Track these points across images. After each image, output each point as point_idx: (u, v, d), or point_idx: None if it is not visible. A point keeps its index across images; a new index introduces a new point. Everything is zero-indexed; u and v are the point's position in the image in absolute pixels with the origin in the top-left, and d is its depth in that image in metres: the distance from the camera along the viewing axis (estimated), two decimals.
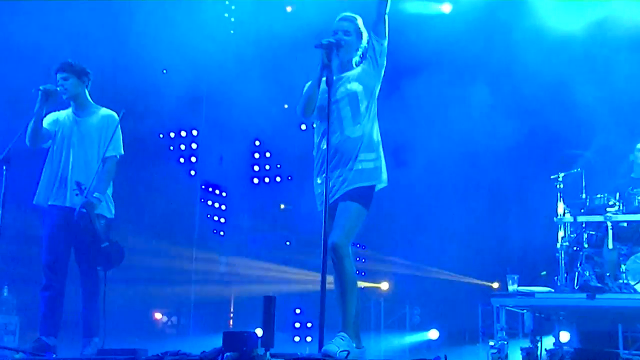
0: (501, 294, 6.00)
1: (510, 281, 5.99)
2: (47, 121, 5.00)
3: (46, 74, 5.15)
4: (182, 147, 10.47)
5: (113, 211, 5.06)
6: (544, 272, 6.82)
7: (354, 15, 4.20)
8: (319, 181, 4.10)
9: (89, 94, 5.13)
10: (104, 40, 7.76)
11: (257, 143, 11.06)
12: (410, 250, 9.16)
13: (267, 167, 11.04)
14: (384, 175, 4.09)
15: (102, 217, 4.94)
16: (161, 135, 10.33)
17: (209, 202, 10.74)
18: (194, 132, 10.48)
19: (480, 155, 8.18)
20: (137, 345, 4.94)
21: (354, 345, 3.83)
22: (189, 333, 9.67)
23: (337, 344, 3.67)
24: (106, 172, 4.94)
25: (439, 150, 8.21)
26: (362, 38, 4.17)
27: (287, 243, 10.77)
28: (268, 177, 11.02)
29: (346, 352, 3.61)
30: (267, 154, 11.03)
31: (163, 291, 9.97)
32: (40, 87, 4.81)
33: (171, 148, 10.46)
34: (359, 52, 4.18)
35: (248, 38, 9.12)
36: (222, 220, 10.88)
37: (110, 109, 5.13)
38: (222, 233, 10.88)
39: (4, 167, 4.53)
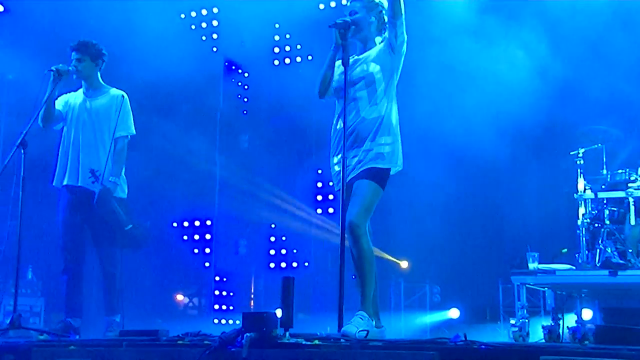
0: (521, 271, 5.95)
1: (531, 259, 5.94)
2: (58, 103, 5.04)
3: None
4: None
5: (126, 191, 5.08)
6: (565, 250, 6.75)
7: None
8: (335, 161, 4.11)
9: (101, 76, 5.15)
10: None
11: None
12: (429, 228, 9.12)
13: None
14: (400, 160, 4.07)
15: (121, 199, 4.98)
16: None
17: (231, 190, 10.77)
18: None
19: (500, 131, 8.08)
20: (159, 327, 5.03)
21: (373, 324, 3.84)
22: (210, 314, 9.77)
23: (356, 323, 3.68)
24: (118, 153, 4.96)
25: (457, 126, 8.13)
26: (374, 11, 4.11)
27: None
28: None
29: (365, 332, 3.61)
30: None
31: (185, 273, 10.09)
32: (52, 68, 4.83)
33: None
34: (376, 28, 4.13)
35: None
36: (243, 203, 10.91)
37: (120, 89, 5.16)
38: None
39: (22, 151, 4.59)
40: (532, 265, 5.92)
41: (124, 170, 5.06)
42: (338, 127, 4.03)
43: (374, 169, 3.96)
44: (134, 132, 5.10)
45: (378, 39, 4.18)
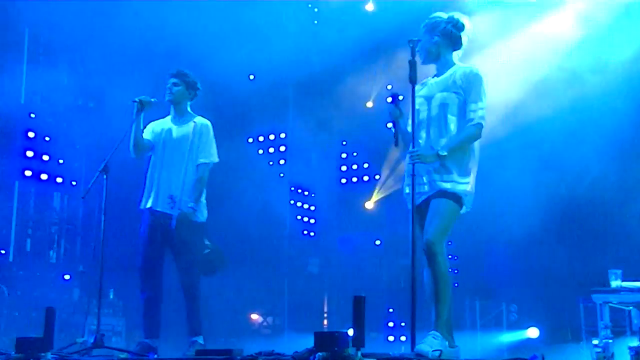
0: (603, 289, 5.70)
1: (613, 276, 5.68)
2: (146, 132, 5.25)
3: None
4: (271, 150, 10.71)
5: (206, 215, 5.17)
6: None
7: (433, 16, 4.15)
8: (407, 182, 4.09)
9: (191, 106, 5.34)
10: (192, 44, 8.01)
11: (344, 143, 11.10)
12: (506, 244, 8.87)
13: (355, 166, 11.04)
14: (470, 200, 4.03)
15: (199, 224, 5.08)
16: (250, 140, 10.59)
17: (299, 204, 10.89)
18: (282, 135, 10.69)
19: (583, 149, 7.82)
20: (234, 346, 5.09)
21: (447, 344, 3.77)
22: (284, 333, 9.83)
23: (429, 343, 3.63)
24: (198, 179, 5.08)
25: (550, 139, 7.95)
26: (435, 30, 4.10)
27: (377, 242, 10.68)
28: (356, 176, 11.03)
29: (439, 352, 3.56)
30: (354, 153, 11.04)
31: (258, 293, 10.22)
32: (136, 99, 5.04)
33: (260, 152, 10.72)
34: (446, 45, 4.11)
35: (332, 40, 9.16)
36: (312, 221, 11.00)
37: (204, 117, 5.31)
38: (312, 234, 10.99)
39: (105, 177, 4.80)
40: (615, 283, 5.66)
41: (204, 195, 5.16)
42: (410, 147, 4.01)
43: (451, 190, 3.93)
44: (217, 159, 5.19)
45: (456, 54, 4.16)
